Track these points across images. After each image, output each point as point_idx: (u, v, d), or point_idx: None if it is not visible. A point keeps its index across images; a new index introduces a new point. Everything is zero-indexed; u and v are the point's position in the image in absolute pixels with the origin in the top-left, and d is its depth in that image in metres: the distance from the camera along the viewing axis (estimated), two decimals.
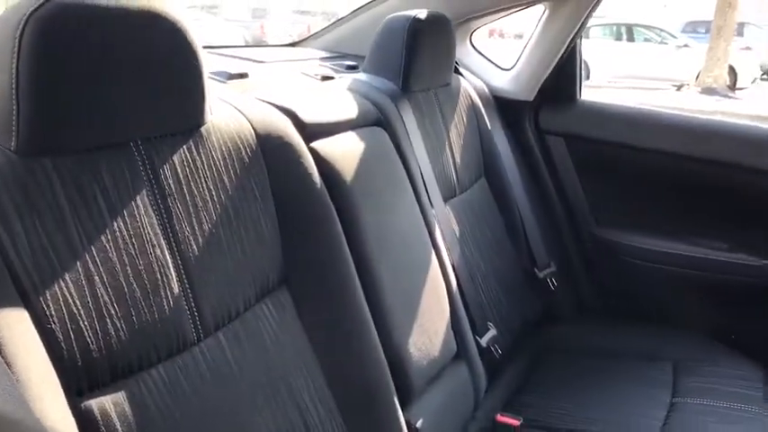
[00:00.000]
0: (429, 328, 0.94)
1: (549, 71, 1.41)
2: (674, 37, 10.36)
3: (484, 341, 1.09)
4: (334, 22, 1.54)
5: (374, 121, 1.01)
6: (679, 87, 9.49)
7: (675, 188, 1.38)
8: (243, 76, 1.05)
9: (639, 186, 1.42)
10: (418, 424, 0.85)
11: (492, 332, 1.12)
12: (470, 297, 1.08)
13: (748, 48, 10.90)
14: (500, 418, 1.06)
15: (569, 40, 1.37)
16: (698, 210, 1.36)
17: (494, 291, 1.20)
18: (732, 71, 9.72)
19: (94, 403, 0.54)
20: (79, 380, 0.53)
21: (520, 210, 1.35)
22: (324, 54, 1.45)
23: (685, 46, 10.08)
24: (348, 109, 0.98)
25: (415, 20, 1.08)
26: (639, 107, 1.44)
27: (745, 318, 1.29)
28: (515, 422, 1.04)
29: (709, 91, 9.09)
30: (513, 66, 1.49)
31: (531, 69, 1.44)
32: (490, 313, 1.15)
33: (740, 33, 11.02)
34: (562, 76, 1.43)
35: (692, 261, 1.34)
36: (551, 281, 1.35)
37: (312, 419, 0.72)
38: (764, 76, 11.45)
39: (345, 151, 0.89)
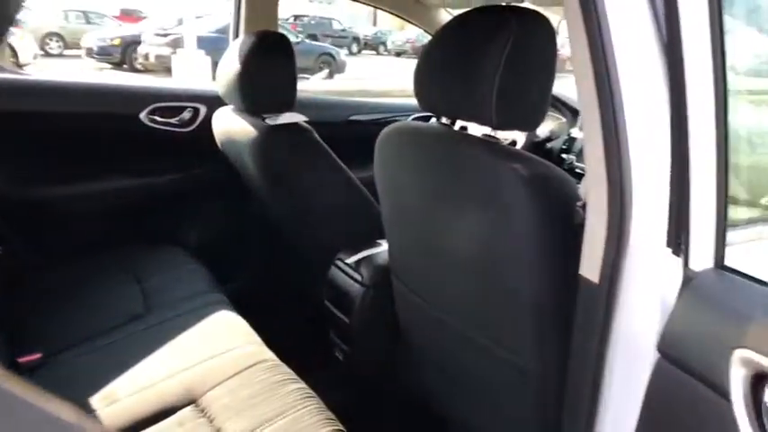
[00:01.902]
0: None
1: None
2: None
3: None
4: None
5: None
6: None
7: (70, 140, 1.77)
8: None
9: (42, 145, 1.74)
10: None
11: None
12: None
13: (20, 28, 11.59)
14: (21, 359, 1.27)
15: None
16: (92, 152, 1.81)
17: None
18: (13, 50, 10.21)
19: None
20: None
21: None
22: None
23: None
24: None
25: None
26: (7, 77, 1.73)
27: (172, 226, 1.88)
28: (36, 356, 1.28)
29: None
30: None
31: None
32: None
33: None
34: None
35: (106, 192, 1.81)
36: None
37: None
38: (41, 53, 12.55)
39: None
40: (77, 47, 13.23)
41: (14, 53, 10.38)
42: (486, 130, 1.00)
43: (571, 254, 0.86)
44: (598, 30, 0.72)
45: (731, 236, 0.74)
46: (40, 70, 10.81)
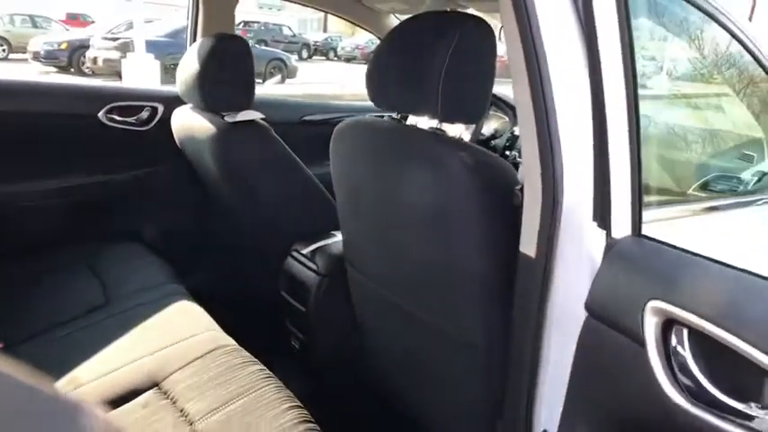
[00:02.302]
0: None
1: None
2: None
3: None
4: None
5: None
6: None
7: (28, 139, 1.74)
8: None
9: (6, 143, 1.70)
10: None
11: None
12: None
13: None
14: None
15: None
16: (51, 150, 1.78)
17: None
18: None
19: None
20: None
21: None
22: None
23: None
24: None
25: None
26: None
27: (131, 222, 1.87)
28: None
29: None
30: None
31: None
32: None
33: None
34: None
35: (65, 189, 1.78)
36: None
37: None
38: None
39: None
40: (23, 51, 12.73)
41: None
42: (434, 124, 1.06)
43: (512, 232, 0.93)
44: (531, 40, 0.80)
45: (655, 213, 0.83)
46: None
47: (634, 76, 0.78)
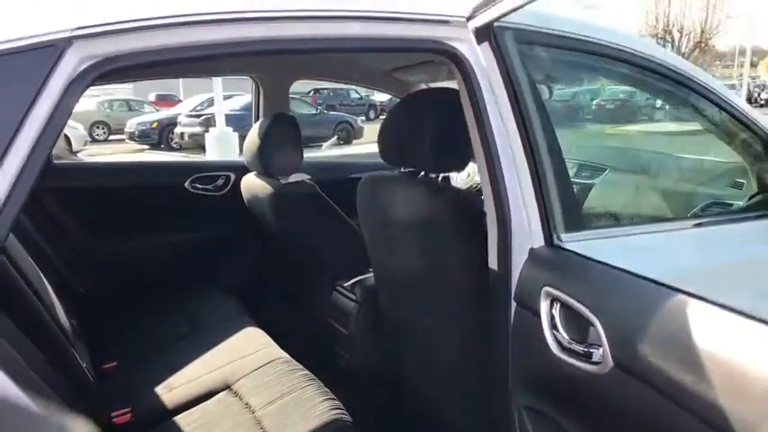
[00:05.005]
0: None
1: None
2: None
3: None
4: None
5: None
6: None
7: (135, 207, 2.22)
8: None
9: (114, 212, 2.19)
10: None
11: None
12: None
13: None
14: (105, 366, 1.64)
15: None
16: (151, 215, 2.25)
17: None
18: (67, 139, 11.21)
19: None
20: None
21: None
22: None
23: None
24: None
25: None
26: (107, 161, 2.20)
27: (209, 272, 2.30)
28: (113, 364, 1.66)
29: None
30: None
31: None
32: None
33: None
34: None
35: (159, 245, 2.23)
36: (82, 287, 1.96)
37: None
38: (89, 140, 13.64)
39: None
40: (121, 132, 14.28)
41: (68, 141, 11.37)
42: (430, 174, 1.39)
43: (483, 249, 1.21)
44: (481, 120, 1.11)
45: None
46: (90, 156, 11.78)
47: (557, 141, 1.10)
